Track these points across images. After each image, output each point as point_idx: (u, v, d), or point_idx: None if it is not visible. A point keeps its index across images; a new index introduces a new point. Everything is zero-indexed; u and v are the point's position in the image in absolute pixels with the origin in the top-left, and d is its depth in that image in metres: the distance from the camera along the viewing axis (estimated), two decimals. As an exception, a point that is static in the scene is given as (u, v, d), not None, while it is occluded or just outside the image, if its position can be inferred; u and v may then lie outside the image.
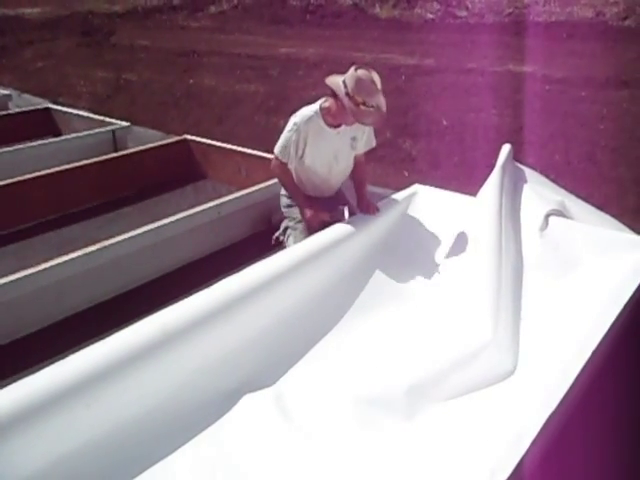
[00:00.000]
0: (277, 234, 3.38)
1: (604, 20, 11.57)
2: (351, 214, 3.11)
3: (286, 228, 3.31)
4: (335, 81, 2.86)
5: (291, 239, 3.18)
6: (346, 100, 2.78)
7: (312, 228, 3.08)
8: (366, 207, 3.10)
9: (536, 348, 2.39)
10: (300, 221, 3.18)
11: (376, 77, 2.82)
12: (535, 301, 2.65)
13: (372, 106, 2.78)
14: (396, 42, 11.12)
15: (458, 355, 2.33)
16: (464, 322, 2.48)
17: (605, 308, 2.30)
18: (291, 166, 3.10)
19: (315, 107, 2.99)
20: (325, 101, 2.98)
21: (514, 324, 2.52)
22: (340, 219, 3.02)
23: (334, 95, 2.87)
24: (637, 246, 2.74)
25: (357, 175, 3.27)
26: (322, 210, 3.09)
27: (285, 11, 14.91)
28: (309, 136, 2.97)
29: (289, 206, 3.26)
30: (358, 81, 2.77)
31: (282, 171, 3.12)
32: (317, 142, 3.00)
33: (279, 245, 3.25)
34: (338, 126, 2.99)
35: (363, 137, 3.12)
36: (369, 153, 3.29)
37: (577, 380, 1.90)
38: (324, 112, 2.96)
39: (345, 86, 2.80)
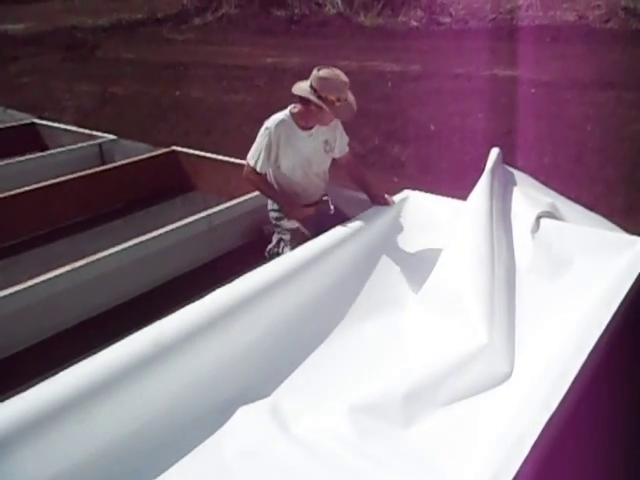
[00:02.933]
0: (270, 247, 3.36)
1: (587, 23, 11.72)
2: (336, 212, 3.16)
3: (279, 241, 3.28)
4: (302, 88, 2.91)
5: (287, 250, 3.15)
6: (320, 102, 2.83)
7: (299, 221, 3.11)
8: (382, 199, 3.20)
9: (532, 350, 2.38)
10: (294, 231, 3.16)
11: (339, 72, 2.88)
12: (529, 303, 2.64)
13: (345, 99, 2.87)
14: (382, 49, 11.19)
15: (454, 360, 2.32)
16: (459, 327, 2.46)
17: (600, 307, 2.30)
18: (264, 171, 3.08)
19: (286, 111, 3.03)
20: (294, 107, 3.02)
21: (509, 327, 2.51)
22: (326, 211, 3.06)
23: (303, 102, 2.92)
24: (629, 245, 2.75)
25: (355, 175, 3.30)
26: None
27: (270, 21, 14.97)
28: (281, 139, 2.98)
29: (278, 219, 3.24)
30: (324, 81, 2.83)
31: (256, 178, 3.10)
32: (290, 145, 3.01)
33: (273, 258, 3.22)
34: (310, 128, 3.03)
35: (337, 139, 3.16)
36: (359, 160, 3.30)
37: (575, 381, 1.88)
38: (295, 115, 3.00)
39: (314, 90, 2.84)
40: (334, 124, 3.10)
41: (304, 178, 3.14)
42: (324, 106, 2.83)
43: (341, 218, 3.15)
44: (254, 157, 3.04)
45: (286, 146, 3.01)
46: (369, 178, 3.33)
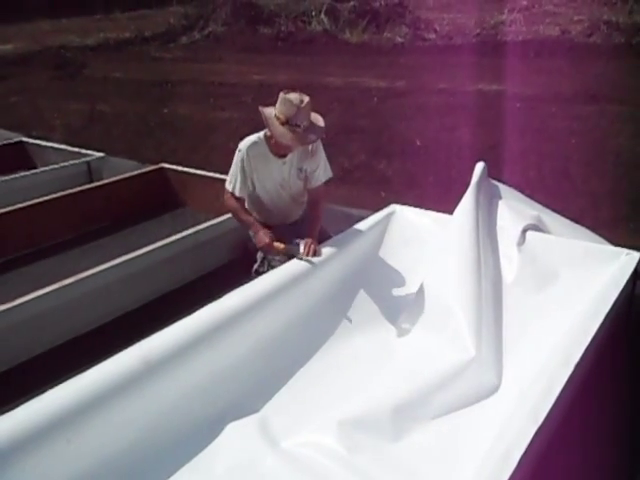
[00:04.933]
0: (256, 266, 3.33)
1: (570, 37, 11.87)
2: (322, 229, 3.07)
3: (263, 259, 3.26)
4: (267, 109, 2.85)
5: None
6: (272, 121, 2.77)
7: (267, 253, 3.05)
8: (307, 245, 2.85)
9: (519, 363, 2.40)
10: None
11: (304, 97, 2.78)
12: (516, 316, 2.66)
13: (297, 125, 2.74)
14: (367, 66, 11.27)
15: (442, 373, 2.33)
16: (446, 340, 2.48)
17: (587, 319, 2.32)
18: (242, 195, 3.00)
19: (260, 134, 2.96)
20: (268, 131, 2.92)
21: (496, 340, 2.53)
22: (294, 253, 2.88)
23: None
24: (614, 256, 2.78)
25: (310, 212, 3.15)
26: (278, 239, 2.96)
27: (256, 39, 15.05)
28: (254, 161, 2.92)
29: None
30: (282, 101, 2.77)
31: (233, 203, 3.03)
32: (263, 168, 2.95)
33: (259, 276, 3.20)
34: (284, 156, 2.94)
35: (316, 171, 3.02)
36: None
37: (562, 393, 1.90)
38: (269, 140, 2.92)
39: (275, 109, 2.80)
40: (317, 155, 3.00)
41: (279, 200, 3.08)
42: (272, 126, 2.76)
43: (327, 234, 3.15)
44: (231, 182, 2.98)
45: (259, 170, 2.95)
46: (318, 223, 3.07)
